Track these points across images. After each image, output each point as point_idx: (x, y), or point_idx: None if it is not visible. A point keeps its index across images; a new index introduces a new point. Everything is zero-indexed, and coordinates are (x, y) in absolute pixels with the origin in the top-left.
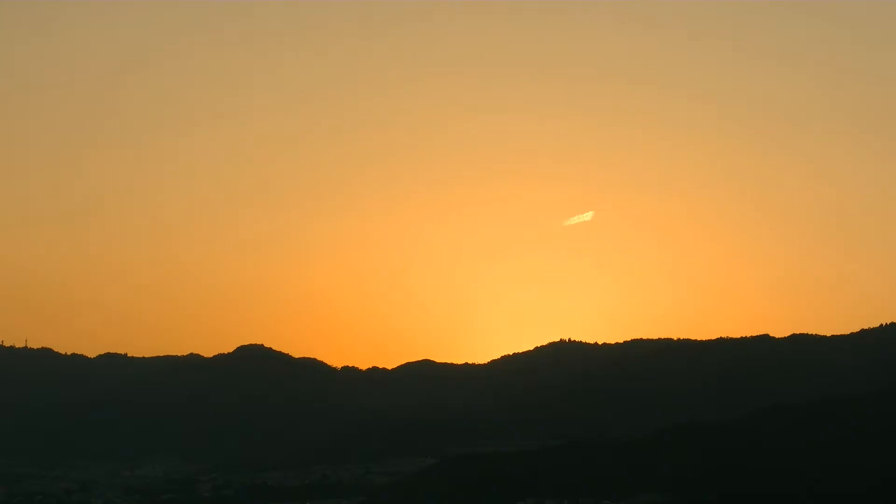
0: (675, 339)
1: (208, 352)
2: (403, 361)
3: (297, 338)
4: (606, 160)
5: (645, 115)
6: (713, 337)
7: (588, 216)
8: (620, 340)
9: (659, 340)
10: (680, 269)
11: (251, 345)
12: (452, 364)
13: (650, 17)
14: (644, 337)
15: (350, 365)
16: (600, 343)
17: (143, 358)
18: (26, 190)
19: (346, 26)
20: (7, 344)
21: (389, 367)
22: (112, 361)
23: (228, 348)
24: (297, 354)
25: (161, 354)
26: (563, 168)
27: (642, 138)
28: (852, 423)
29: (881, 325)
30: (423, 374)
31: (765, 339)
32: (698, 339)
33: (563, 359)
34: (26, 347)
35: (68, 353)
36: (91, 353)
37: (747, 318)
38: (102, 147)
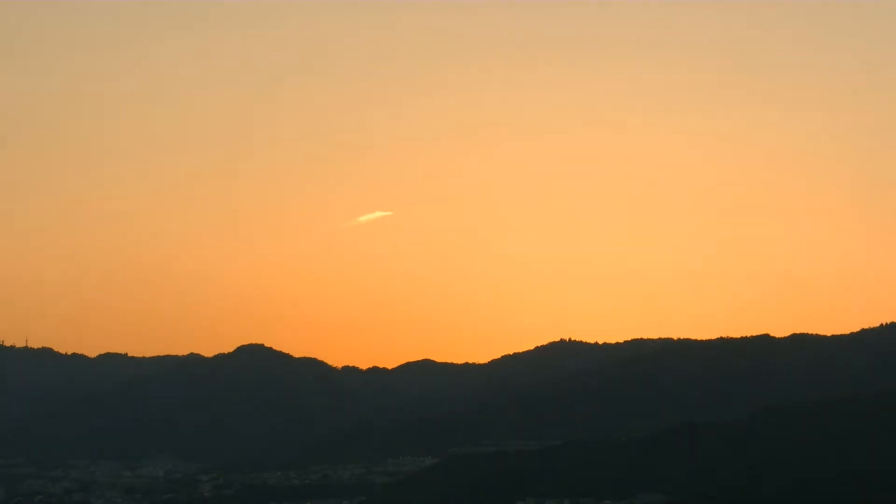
0: (675, 339)
1: (208, 352)
2: (403, 361)
3: (297, 338)
4: (601, 158)
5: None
6: (713, 337)
7: (377, 215)
8: (620, 340)
9: (659, 340)
10: (680, 269)
11: (251, 345)
12: (453, 364)
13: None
14: (644, 337)
15: (350, 365)
16: (600, 343)
17: (143, 358)
18: (26, 190)
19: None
20: (7, 344)
21: (389, 367)
22: (112, 361)
23: (228, 348)
24: (297, 354)
25: (161, 354)
26: (566, 163)
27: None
28: (852, 423)
29: (881, 324)
30: (424, 374)
31: (765, 339)
32: (698, 339)
33: (563, 359)
34: (26, 347)
35: (68, 353)
36: (91, 353)
37: (747, 318)
38: (101, 147)
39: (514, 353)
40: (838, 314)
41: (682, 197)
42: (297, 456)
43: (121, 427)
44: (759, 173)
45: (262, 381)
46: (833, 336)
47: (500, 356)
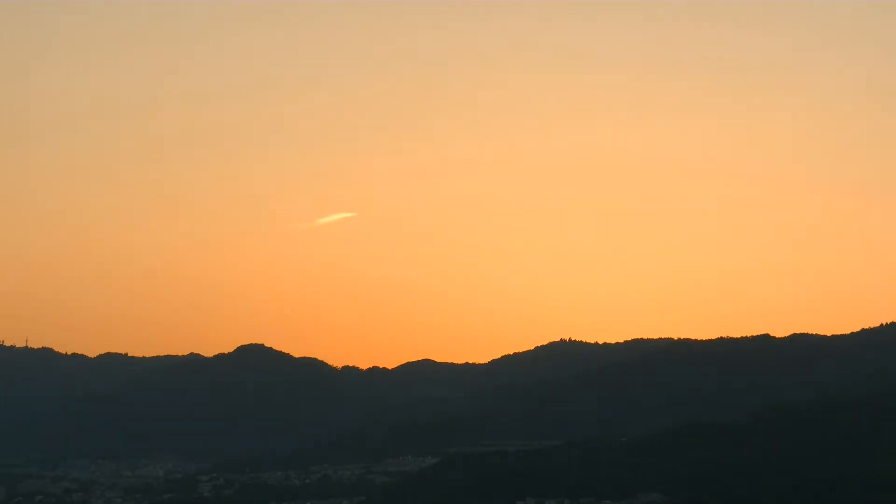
0: (675, 339)
1: (208, 352)
2: (403, 361)
3: (297, 338)
4: (598, 157)
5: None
6: (713, 337)
7: (341, 216)
8: (620, 340)
9: (659, 340)
10: (680, 269)
11: (251, 345)
12: (453, 364)
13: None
14: (644, 337)
15: (350, 365)
16: (600, 343)
17: (143, 358)
18: (26, 190)
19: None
20: (7, 344)
21: (389, 367)
22: (112, 361)
23: (228, 348)
24: (297, 354)
25: (161, 354)
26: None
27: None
28: (853, 423)
29: (881, 324)
30: (424, 374)
31: (765, 339)
32: (698, 339)
33: (563, 359)
34: (26, 347)
35: (68, 353)
36: (91, 353)
37: (747, 318)
38: (102, 149)
39: (514, 353)
40: (838, 314)
41: (682, 197)
42: (297, 456)
43: (121, 427)
44: (759, 173)
45: (262, 381)
46: (833, 336)
47: (500, 356)
